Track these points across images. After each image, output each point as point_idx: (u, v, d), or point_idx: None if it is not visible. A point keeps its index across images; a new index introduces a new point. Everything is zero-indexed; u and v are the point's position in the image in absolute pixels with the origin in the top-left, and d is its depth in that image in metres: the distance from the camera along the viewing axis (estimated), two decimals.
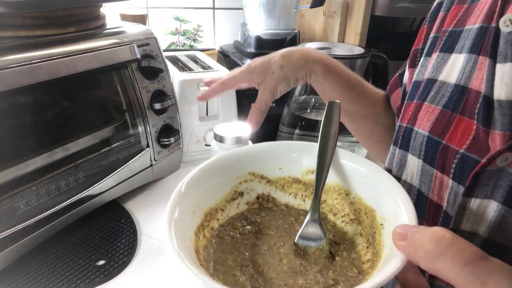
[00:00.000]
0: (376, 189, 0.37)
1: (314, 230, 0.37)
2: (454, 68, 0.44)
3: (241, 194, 0.43)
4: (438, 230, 0.25)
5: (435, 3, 0.54)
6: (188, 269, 0.28)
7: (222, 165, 0.42)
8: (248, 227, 0.40)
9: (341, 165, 0.41)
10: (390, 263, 0.28)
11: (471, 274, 0.23)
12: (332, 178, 0.41)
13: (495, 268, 0.23)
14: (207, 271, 0.33)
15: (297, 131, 0.91)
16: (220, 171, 0.41)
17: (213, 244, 0.38)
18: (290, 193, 0.44)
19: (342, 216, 0.41)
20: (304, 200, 0.44)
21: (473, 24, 0.44)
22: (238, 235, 0.39)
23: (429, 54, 0.51)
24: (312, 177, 0.41)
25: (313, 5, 0.98)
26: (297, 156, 0.43)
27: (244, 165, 0.43)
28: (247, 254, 0.36)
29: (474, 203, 0.38)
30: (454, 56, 0.45)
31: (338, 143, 0.42)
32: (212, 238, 0.38)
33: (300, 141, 0.46)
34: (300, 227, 0.37)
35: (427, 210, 0.44)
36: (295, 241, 0.37)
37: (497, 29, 0.39)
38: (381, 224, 0.35)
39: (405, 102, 0.53)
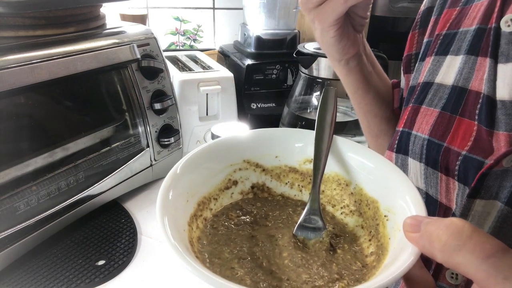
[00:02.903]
0: (378, 178, 0.36)
1: (313, 221, 0.35)
2: (450, 70, 0.44)
3: (235, 183, 0.41)
4: (456, 221, 0.23)
5: (424, 8, 0.54)
6: (186, 263, 0.26)
7: (217, 150, 0.40)
8: (243, 217, 0.39)
9: (341, 155, 0.39)
10: (401, 257, 0.27)
11: (493, 268, 0.21)
12: (331, 168, 0.39)
13: None
14: (203, 264, 0.31)
15: None
16: (215, 157, 0.40)
17: (207, 235, 0.36)
18: (287, 183, 0.42)
19: (341, 208, 0.39)
20: (301, 191, 0.42)
21: (469, 26, 0.44)
22: (233, 226, 0.37)
23: (423, 59, 0.50)
24: (310, 166, 0.39)
25: None
26: (294, 144, 0.41)
27: (240, 152, 0.41)
28: (244, 246, 0.35)
29: (479, 204, 0.38)
30: (449, 58, 0.45)
31: None
32: (206, 228, 0.36)
33: (298, 129, 0.44)
34: (299, 218, 0.36)
35: (438, 213, 0.44)
36: (293, 232, 0.35)
37: (498, 29, 0.39)
38: (385, 216, 0.34)
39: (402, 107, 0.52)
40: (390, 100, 0.61)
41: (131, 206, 0.74)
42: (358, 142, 0.91)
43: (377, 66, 0.60)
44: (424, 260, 0.27)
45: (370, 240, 0.35)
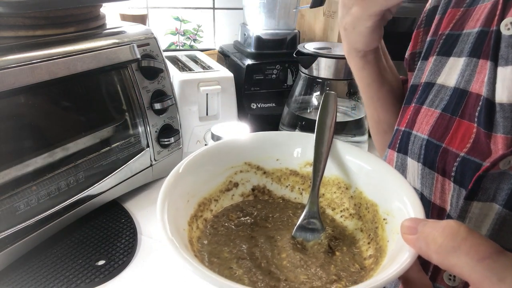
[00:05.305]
0: (378, 182, 0.36)
1: (312, 223, 0.36)
2: (452, 72, 0.44)
3: (236, 185, 0.42)
4: (452, 223, 0.24)
5: (429, 6, 0.54)
6: (182, 257, 0.26)
7: (218, 152, 0.40)
8: (243, 218, 0.39)
9: (341, 158, 0.39)
10: (398, 258, 0.27)
11: (488, 270, 0.22)
12: (331, 171, 0.40)
13: None
14: (202, 263, 0.31)
15: (297, 131, 0.91)
16: (217, 159, 0.40)
17: (207, 235, 0.36)
18: (287, 186, 0.43)
19: (341, 211, 0.40)
20: (301, 194, 0.42)
21: (472, 28, 0.44)
22: (233, 227, 0.38)
23: (425, 58, 0.50)
24: (310, 169, 0.39)
25: (313, 5, 0.98)
26: (295, 147, 0.42)
27: (241, 154, 0.41)
28: (243, 246, 0.35)
29: (476, 206, 0.38)
30: (452, 59, 0.45)
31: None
32: (206, 229, 0.37)
33: (299, 132, 0.44)
34: (298, 220, 0.36)
35: (431, 214, 0.44)
36: (292, 234, 0.36)
37: (498, 32, 0.39)
38: (384, 219, 0.34)
39: (403, 105, 0.52)
40: (401, 95, 0.61)
41: (131, 206, 0.74)
42: (358, 142, 0.91)
43: (390, 61, 0.60)
44: (422, 262, 0.27)
45: (369, 243, 0.35)
